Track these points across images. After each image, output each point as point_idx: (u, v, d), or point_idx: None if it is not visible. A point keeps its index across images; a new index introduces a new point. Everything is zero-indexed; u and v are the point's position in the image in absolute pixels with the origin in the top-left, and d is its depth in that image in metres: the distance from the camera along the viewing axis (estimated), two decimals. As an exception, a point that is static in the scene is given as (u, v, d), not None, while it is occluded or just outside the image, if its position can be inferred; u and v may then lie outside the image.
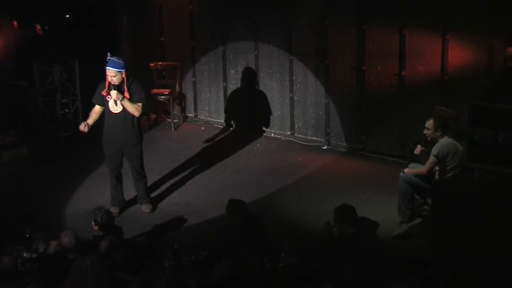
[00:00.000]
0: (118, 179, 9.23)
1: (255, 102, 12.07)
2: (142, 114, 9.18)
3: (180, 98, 12.80)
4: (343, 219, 7.20)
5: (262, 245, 7.23)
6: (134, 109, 8.93)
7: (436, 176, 8.44)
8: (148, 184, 9.47)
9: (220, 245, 7.32)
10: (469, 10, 9.68)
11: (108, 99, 8.92)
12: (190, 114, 12.97)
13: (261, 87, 11.93)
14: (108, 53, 8.94)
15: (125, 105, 8.86)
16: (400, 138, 10.51)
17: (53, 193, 9.84)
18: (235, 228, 7.41)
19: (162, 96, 12.43)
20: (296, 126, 11.74)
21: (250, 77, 11.99)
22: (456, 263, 7.11)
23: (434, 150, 8.26)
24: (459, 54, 9.92)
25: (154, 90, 12.28)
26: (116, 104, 8.90)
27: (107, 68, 8.83)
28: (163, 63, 12.71)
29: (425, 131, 8.43)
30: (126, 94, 8.86)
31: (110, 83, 8.86)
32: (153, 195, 9.61)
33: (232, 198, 7.78)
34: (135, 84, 8.98)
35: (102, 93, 8.94)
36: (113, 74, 8.81)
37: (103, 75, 9.03)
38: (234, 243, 7.18)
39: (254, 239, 7.28)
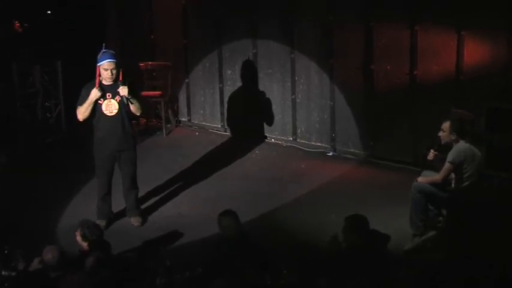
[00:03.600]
0: (107, 190, 9.23)
1: (253, 105, 12.08)
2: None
3: (172, 100, 12.82)
4: (353, 230, 7.20)
5: (260, 258, 7.24)
6: (138, 107, 8.99)
7: (453, 185, 8.45)
8: (139, 195, 9.47)
9: (216, 259, 7.32)
10: (486, 4, 9.71)
11: (101, 102, 8.92)
12: (183, 119, 12.99)
13: (261, 89, 11.94)
14: (103, 44, 8.94)
15: (131, 104, 8.89)
16: (412, 144, 10.53)
17: (33, 205, 9.83)
18: (230, 241, 7.40)
19: (153, 99, 12.45)
20: (299, 131, 11.76)
21: (248, 77, 12.01)
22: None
23: (450, 156, 8.27)
24: (476, 52, 9.95)
25: (144, 93, 12.26)
26: (121, 103, 8.89)
27: (108, 61, 8.80)
28: (154, 63, 12.74)
29: (439, 133, 8.43)
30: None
31: (101, 82, 8.85)
32: (143, 206, 9.62)
33: (225, 210, 7.74)
34: (128, 80, 8.97)
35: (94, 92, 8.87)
36: (113, 67, 8.82)
37: (88, 77, 9.05)
38: (230, 257, 7.19)
39: (251, 253, 7.28)
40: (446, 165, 8.28)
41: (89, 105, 8.89)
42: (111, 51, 8.93)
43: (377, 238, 7.73)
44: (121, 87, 8.84)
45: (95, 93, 8.84)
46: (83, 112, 8.95)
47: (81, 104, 8.96)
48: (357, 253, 7.06)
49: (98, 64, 8.86)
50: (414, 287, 6.62)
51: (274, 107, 11.90)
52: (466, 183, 8.32)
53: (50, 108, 12.25)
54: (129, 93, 8.85)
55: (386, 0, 10.52)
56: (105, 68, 8.82)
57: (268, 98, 11.90)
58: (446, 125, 8.40)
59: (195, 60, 12.64)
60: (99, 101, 8.92)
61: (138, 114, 9.16)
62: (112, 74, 8.82)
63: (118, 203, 9.43)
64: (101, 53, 8.86)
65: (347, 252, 7.16)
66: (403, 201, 8.86)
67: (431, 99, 10.30)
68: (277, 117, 11.92)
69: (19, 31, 12.33)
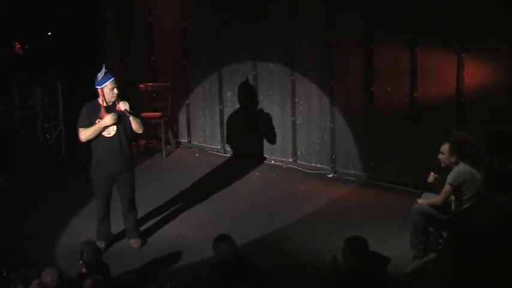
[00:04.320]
0: (106, 212, 9.21)
1: (253, 127, 12.10)
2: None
3: (172, 122, 12.84)
4: (353, 252, 7.20)
5: (259, 280, 7.22)
6: (140, 125, 8.99)
7: (453, 207, 8.46)
8: (138, 216, 9.47)
9: (215, 282, 7.30)
10: (486, 25, 9.73)
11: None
12: (183, 140, 13.01)
13: (261, 110, 11.96)
14: (104, 65, 8.96)
15: (133, 119, 8.89)
16: (413, 166, 10.53)
17: (32, 227, 9.82)
18: (227, 265, 7.35)
19: (153, 120, 12.46)
20: (299, 153, 11.77)
21: (248, 99, 12.03)
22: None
23: (449, 178, 8.28)
24: (476, 74, 9.97)
25: (144, 114, 12.27)
26: (119, 125, 8.89)
27: (112, 80, 8.83)
28: (154, 84, 12.77)
29: (439, 156, 8.45)
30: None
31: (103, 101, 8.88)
32: (142, 228, 9.61)
33: (220, 235, 7.72)
34: (126, 99, 8.99)
35: (101, 114, 8.87)
36: (117, 85, 8.86)
37: (88, 98, 9.07)
38: (229, 280, 7.17)
39: (249, 275, 7.26)
40: (446, 187, 8.29)
41: (98, 130, 8.87)
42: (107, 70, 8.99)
43: (377, 260, 7.73)
44: (121, 102, 8.84)
45: (109, 119, 8.81)
46: (89, 135, 8.91)
47: (83, 125, 8.94)
48: (357, 275, 7.05)
49: (101, 86, 8.85)
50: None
51: (274, 128, 11.91)
52: (466, 205, 8.32)
53: (49, 129, 12.25)
54: (130, 108, 8.88)
55: (386, 22, 10.54)
56: (111, 88, 8.85)
57: (268, 120, 11.92)
58: (445, 147, 8.41)
59: (195, 81, 12.68)
60: (97, 121, 8.93)
61: (140, 131, 9.15)
62: (118, 92, 8.86)
63: (117, 224, 9.42)
64: (102, 75, 8.87)
65: (347, 274, 7.15)
66: (403, 223, 8.85)
67: (431, 121, 10.31)
68: (277, 139, 11.93)
69: (19, 53, 12.38)
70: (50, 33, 12.75)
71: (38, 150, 12.05)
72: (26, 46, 12.41)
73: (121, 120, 8.92)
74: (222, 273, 7.27)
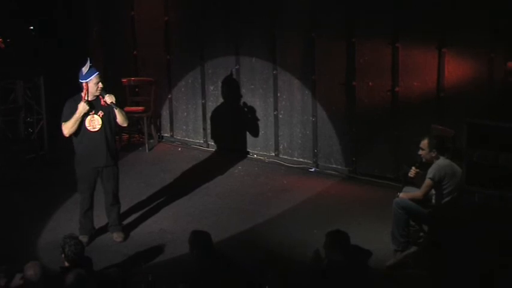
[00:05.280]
0: (89, 206, 9.21)
1: (236, 121, 12.11)
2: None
3: (155, 116, 12.81)
4: (334, 246, 7.23)
5: (241, 275, 7.23)
6: (125, 117, 9.00)
7: (433, 201, 8.51)
8: (121, 211, 9.47)
9: (199, 276, 7.30)
10: (466, 22, 9.79)
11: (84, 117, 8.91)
12: (165, 134, 12.99)
13: (243, 105, 11.98)
14: (89, 59, 8.94)
15: (118, 112, 8.88)
16: (394, 160, 10.57)
17: (15, 221, 9.79)
18: (204, 263, 7.34)
19: (135, 115, 12.42)
20: (281, 147, 11.79)
21: (231, 93, 12.04)
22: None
23: (430, 172, 8.33)
24: (456, 69, 10.02)
25: (127, 108, 12.24)
26: (104, 119, 8.88)
27: (96, 74, 8.83)
28: (136, 78, 12.73)
29: (419, 152, 8.50)
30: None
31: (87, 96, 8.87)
32: (125, 222, 9.60)
33: (196, 229, 7.70)
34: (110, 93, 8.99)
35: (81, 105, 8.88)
36: (101, 80, 8.85)
37: (71, 92, 9.05)
38: (212, 275, 7.18)
39: (232, 270, 7.27)
40: (427, 181, 8.34)
41: (77, 120, 8.83)
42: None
43: (359, 254, 7.78)
44: (107, 96, 8.84)
45: (83, 106, 8.81)
46: (70, 127, 8.87)
47: (66, 120, 8.90)
48: (339, 269, 7.09)
49: (86, 80, 8.83)
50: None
51: (256, 122, 11.92)
52: (447, 199, 8.38)
53: (32, 124, 12.20)
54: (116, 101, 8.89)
55: (368, 17, 10.57)
56: (95, 82, 8.84)
57: (251, 114, 11.92)
58: (424, 142, 8.47)
59: (178, 76, 12.66)
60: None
61: (125, 124, 9.15)
62: (102, 86, 8.85)
63: (100, 218, 9.42)
64: (86, 69, 8.86)
65: (329, 267, 7.19)
66: (385, 217, 8.90)
67: (412, 116, 10.35)
68: (259, 133, 11.94)
69: (1, 47, 12.31)
70: (32, 28, 12.68)
71: (20, 144, 11.97)
72: (8, 40, 12.34)
73: (106, 113, 8.92)
74: (207, 266, 7.29)
